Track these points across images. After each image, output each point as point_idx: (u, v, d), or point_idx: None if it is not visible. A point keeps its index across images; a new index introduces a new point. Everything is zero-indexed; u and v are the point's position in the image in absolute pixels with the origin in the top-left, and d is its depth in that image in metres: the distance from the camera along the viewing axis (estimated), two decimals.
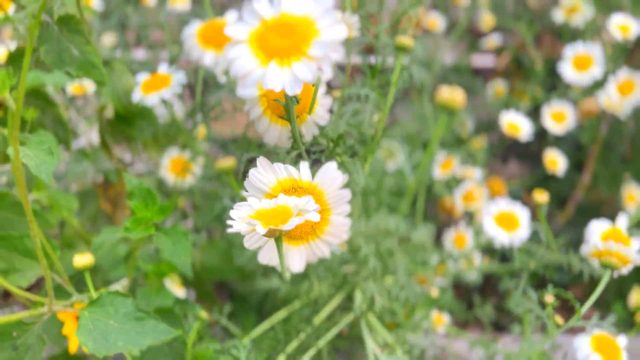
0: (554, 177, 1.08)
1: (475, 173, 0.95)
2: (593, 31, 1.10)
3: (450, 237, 0.89)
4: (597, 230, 0.63)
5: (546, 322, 0.51)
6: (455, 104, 0.40)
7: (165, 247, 0.48)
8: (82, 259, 0.48)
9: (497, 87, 1.15)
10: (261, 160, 0.34)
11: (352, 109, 0.42)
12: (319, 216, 0.30)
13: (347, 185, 0.36)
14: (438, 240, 0.95)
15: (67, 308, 0.46)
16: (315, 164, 0.41)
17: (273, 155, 0.44)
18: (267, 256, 0.34)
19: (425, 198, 0.71)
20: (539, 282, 0.85)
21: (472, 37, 1.25)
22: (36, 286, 0.82)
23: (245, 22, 0.29)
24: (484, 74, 1.33)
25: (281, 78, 0.28)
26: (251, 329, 0.68)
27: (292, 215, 0.30)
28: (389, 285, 0.56)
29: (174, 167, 0.73)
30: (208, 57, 0.56)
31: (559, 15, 1.06)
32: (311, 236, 0.34)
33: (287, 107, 0.34)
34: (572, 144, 1.18)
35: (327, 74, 0.29)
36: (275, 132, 0.37)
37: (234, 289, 0.96)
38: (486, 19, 1.11)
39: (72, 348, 0.55)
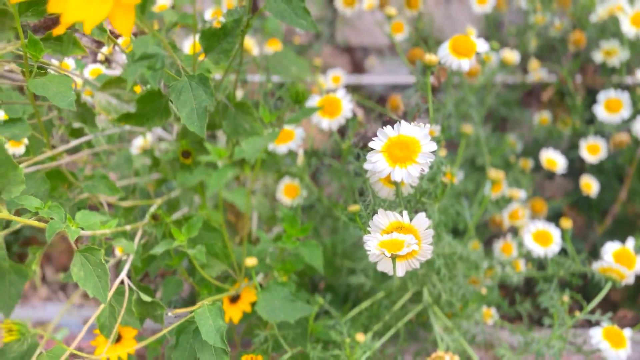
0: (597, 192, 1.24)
1: (520, 194, 1.15)
2: (628, 69, 1.28)
3: (499, 246, 1.11)
4: (610, 249, 0.84)
5: (563, 317, 0.73)
6: (498, 180, 0.62)
7: (305, 254, 0.74)
8: (252, 261, 0.74)
9: (542, 117, 1.35)
10: (380, 210, 0.58)
11: (430, 173, 0.66)
12: (418, 247, 0.54)
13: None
14: (489, 247, 1.17)
15: (248, 291, 0.73)
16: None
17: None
18: (383, 266, 0.59)
19: (478, 219, 0.93)
20: (582, 286, 1.03)
21: (521, 72, 1.44)
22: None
23: (380, 139, 0.54)
24: (531, 101, 1.52)
25: (401, 175, 0.52)
26: (346, 313, 0.93)
27: (403, 246, 0.54)
28: (451, 285, 0.80)
29: (287, 191, 0.99)
30: (325, 123, 0.81)
31: (598, 57, 1.24)
32: (409, 256, 0.58)
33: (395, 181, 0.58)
34: (614, 161, 1.35)
35: (426, 171, 0.52)
36: (385, 191, 0.61)
37: (318, 282, 1.21)
38: (533, 63, 1.30)
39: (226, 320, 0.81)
